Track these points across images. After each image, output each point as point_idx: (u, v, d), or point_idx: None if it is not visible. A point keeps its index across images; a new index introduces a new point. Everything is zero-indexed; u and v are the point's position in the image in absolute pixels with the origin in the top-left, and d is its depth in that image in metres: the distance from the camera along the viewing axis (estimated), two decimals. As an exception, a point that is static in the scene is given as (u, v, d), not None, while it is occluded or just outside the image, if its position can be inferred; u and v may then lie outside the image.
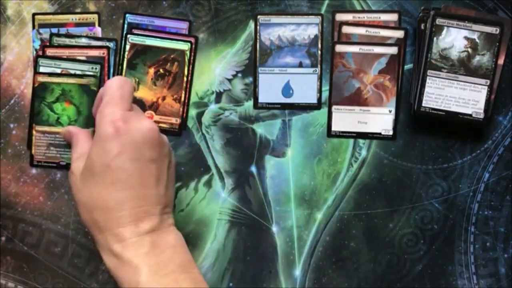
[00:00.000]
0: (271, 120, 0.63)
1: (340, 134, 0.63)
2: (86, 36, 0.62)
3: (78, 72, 0.61)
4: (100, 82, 0.61)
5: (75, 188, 0.52)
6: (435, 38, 0.59)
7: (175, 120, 0.62)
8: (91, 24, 0.62)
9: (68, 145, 0.61)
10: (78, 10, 0.63)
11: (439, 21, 0.59)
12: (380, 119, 0.62)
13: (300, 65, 0.63)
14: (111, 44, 0.62)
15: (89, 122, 0.61)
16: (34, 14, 0.62)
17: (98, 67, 0.61)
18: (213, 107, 0.63)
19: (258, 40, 0.63)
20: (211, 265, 0.62)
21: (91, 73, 0.61)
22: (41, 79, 0.60)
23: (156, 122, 0.62)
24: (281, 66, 0.63)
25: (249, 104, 0.63)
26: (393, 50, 0.62)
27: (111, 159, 0.49)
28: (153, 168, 0.50)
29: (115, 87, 0.52)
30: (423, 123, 0.62)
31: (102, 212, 0.49)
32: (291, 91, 0.63)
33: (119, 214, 0.49)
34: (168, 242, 0.50)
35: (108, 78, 0.62)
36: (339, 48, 0.62)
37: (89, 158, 0.51)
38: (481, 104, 0.60)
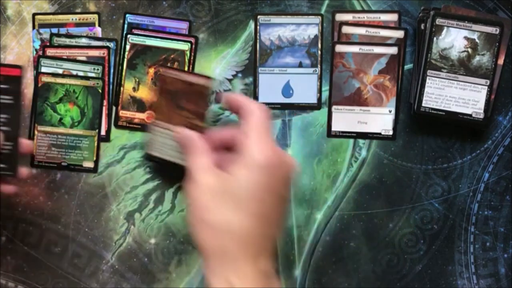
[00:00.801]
0: (271, 120, 0.63)
1: (340, 134, 0.63)
2: (86, 36, 0.62)
3: (80, 73, 0.61)
4: (103, 83, 0.61)
5: (200, 203, 0.49)
6: (435, 38, 0.59)
7: (175, 120, 0.63)
8: (91, 24, 0.62)
9: (70, 146, 0.61)
10: (78, 10, 0.63)
11: (439, 21, 0.59)
12: (380, 119, 0.62)
13: (300, 65, 0.63)
14: (111, 44, 0.62)
15: (93, 124, 0.61)
16: (34, 14, 0.62)
17: (100, 68, 0.61)
18: (213, 107, 0.63)
19: (258, 40, 0.63)
20: None
21: (93, 74, 0.61)
22: (45, 79, 0.60)
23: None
24: (281, 66, 0.63)
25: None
26: (393, 50, 0.62)
27: (257, 189, 0.47)
28: (283, 207, 0.50)
29: (265, 117, 0.51)
30: (423, 123, 0.62)
31: (233, 240, 0.47)
32: (291, 91, 0.63)
33: (248, 247, 0.47)
34: None
35: (108, 78, 0.62)
36: (339, 48, 0.62)
37: (233, 180, 0.48)
38: (481, 104, 0.60)
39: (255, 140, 0.49)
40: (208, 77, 0.57)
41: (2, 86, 0.55)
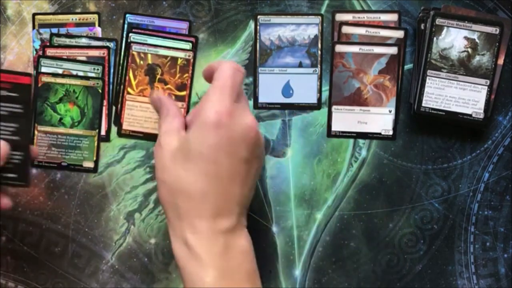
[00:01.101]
0: (271, 120, 0.63)
1: (340, 134, 0.63)
2: (86, 36, 0.62)
3: (80, 73, 0.61)
4: (103, 83, 0.61)
5: (161, 164, 0.50)
6: (435, 38, 0.59)
7: (175, 120, 0.62)
8: (91, 24, 0.62)
9: (70, 146, 0.61)
10: (78, 10, 0.63)
11: (439, 21, 0.59)
12: (380, 119, 0.62)
13: (300, 65, 0.63)
14: (111, 44, 0.62)
15: (94, 124, 0.61)
16: (34, 14, 0.62)
17: (100, 68, 0.61)
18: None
19: (258, 40, 0.63)
20: None
21: (93, 74, 0.61)
22: (45, 79, 0.61)
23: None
24: (281, 66, 0.63)
25: (249, 104, 0.63)
26: (393, 50, 0.62)
27: (208, 149, 0.48)
28: (243, 167, 0.50)
29: (228, 75, 0.50)
30: (423, 123, 0.62)
31: (185, 199, 0.48)
32: (291, 91, 0.63)
33: (202, 206, 0.48)
34: (240, 247, 0.49)
35: (108, 78, 0.62)
36: (339, 48, 0.62)
37: (186, 140, 0.49)
38: (481, 104, 0.60)
39: (211, 99, 0.49)
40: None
41: (11, 94, 0.54)
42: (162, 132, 0.52)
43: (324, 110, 0.63)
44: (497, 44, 0.59)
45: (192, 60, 0.62)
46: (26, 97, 0.54)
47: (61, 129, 0.61)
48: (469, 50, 0.59)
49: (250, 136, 0.49)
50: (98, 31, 0.62)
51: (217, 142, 0.48)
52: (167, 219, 0.51)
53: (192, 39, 0.62)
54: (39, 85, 0.60)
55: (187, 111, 0.62)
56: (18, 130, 0.54)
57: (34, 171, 0.62)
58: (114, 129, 0.62)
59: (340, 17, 0.63)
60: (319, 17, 0.63)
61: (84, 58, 0.61)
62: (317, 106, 0.63)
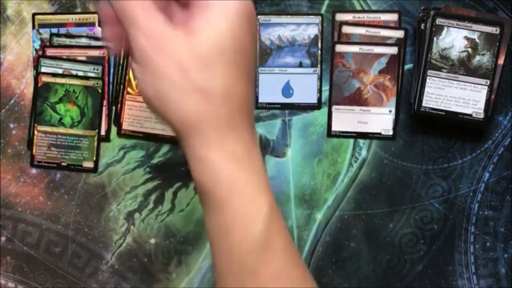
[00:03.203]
0: (271, 120, 0.63)
1: (340, 134, 0.63)
2: (86, 36, 0.62)
3: (80, 73, 0.61)
4: (103, 83, 0.61)
5: (179, 63, 0.38)
6: (435, 38, 0.59)
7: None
8: (91, 24, 0.62)
9: (70, 146, 0.61)
10: (78, 10, 0.63)
11: (439, 21, 0.59)
12: (380, 119, 0.62)
13: (300, 65, 0.63)
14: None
15: (93, 124, 0.61)
16: (34, 14, 0.62)
17: (100, 68, 0.61)
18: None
19: (258, 40, 0.63)
20: (212, 265, 0.62)
21: (93, 74, 0.61)
22: (45, 79, 0.61)
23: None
24: (281, 66, 0.63)
25: (249, 104, 0.63)
26: (393, 50, 0.62)
27: (245, 41, 0.40)
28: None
29: None
30: (423, 123, 0.62)
31: (230, 104, 0.40)
32: (291, 91, 0.63)
33: (244, 111, 0.40)
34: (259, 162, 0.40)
35: (108, 78, 0.62)
36: (339, 48, 0.62)
37: (217, 33, 0.39)
38: (481, 104, 0.60)
39: None
40: None
41: None
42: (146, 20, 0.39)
43: (324, 110, 0.63)
44: (497, 44, 0.59)
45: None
46: None
47: (61, 129, 0.61)
48: (469, 50, 0.59)
49: (252, 13, 0.41)
50: (98, 31, 0.62)
51: (249, 31, 0.40)
52: (188, 131, 0.39)
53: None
54: (39, 85, 0.60)
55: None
56: None
57: (34, 171, 0.62)
58: (114, 129, 0.62)
59: (340, 17, 0.63)
60: (319, 17, 0.63)
61: (84, 58, 0.61)
62: (317, 106, 0.63)
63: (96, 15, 0.62)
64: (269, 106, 0.63)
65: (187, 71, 0.38)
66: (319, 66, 0.63)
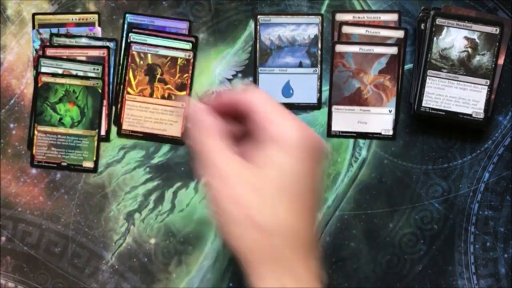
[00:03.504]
0: (271, 120, 0.63)
1: (340, 134, 0.63)
2: (86, 36, 0.62)
3: (80, 73, 0.61)
4: (103, 83, 0.61)
5: (239, 199, 0.40)
6: (435, 38, 0.59)
7: (175, 120, 0.63)
8: (91, 24, 0.62)
9: (70, 146, 0.61)
10: (78, 10, 0.63)
11: (439, 21, 0.59)
12: (380, 119, 0.62)
13: (300, 65, 0.63)
14: (111, 44, 0.62)
15: (93, 124, 0.61)
16: (34, 14, 0.62)
17: (100, 68, 0.61)
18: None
19: (258, 40, 0.63)
20: (211, 265, 0.62)
21: (93, 74, 0.61)
22: (45, 79, 0.61)
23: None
24: (281, 66, 0.63)
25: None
26: (393, 50, 0.62)
27: (306, 178, 0.40)
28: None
29: (267, 95, 0.43)
30: (423, 123, 0.62)
31: (286, 241, 0.40)
32: (291, 91, 0.63)
33: (302, 247, 0.41)
34: None
35: (108, 78, 0.62)
36: (339, 48, 0.62)
37: (278, 169, 0.40)
38: (481, 104, 0.60)
39: (279, 118, 0.40)
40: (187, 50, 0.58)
41: None
42: (215, 154, 0.41)
43: (324, 110, 0.63)
44: (497, 44, 0.59)
45: (192, 60, 0.62)
46: None
47: (61, 129, 0.61)
48: (469, 50, 0.59)
49: (318, 146, 0.42)
50: (98, 31, 0.62)
51: (310, 168, 0.41)
52: (245, 261, 0.41)
53: (192, 39, 0.62)
54: (39, 85, 0.60)
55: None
56: None
57: (34, 171, 0.62)
58: (114, 129, 0.62)
59: (340, 17, 0.63)
60: (319, 17, 0.63)
61: (84, 58, 0.61)
62: (317, 106, 0.63)
63: (96, 15, 0.62)
64: (269, 106, 0.63)
65: (246, 207, 0.40)
66: (319, 66, 0.63)
